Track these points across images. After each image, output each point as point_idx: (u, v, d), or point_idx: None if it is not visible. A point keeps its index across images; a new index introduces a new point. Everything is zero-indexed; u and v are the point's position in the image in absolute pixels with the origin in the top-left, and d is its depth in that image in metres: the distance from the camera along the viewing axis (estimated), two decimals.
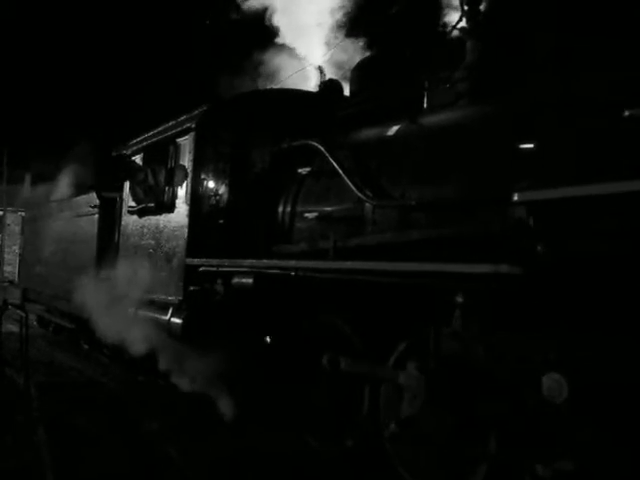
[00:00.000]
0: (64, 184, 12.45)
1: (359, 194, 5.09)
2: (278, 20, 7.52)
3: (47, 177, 13.86)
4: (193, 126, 6.85)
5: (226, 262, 5.97)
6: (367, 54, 6.45)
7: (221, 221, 6.74)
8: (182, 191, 6.99)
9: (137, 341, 7.48)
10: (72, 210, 11.01)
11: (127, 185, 8.29)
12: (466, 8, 5.03)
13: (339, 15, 6.96)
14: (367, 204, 5.12)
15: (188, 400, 6.99)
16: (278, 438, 5.88)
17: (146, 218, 7.78)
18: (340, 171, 5.34)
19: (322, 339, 5.42)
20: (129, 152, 8.44)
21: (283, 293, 5.49)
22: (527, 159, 4.06)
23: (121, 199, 8.64)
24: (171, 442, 5.97)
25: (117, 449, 5.79)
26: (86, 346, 10.79)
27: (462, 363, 3.88)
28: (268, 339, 5.81)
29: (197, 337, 6.42)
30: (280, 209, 6.15)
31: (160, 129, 7.65)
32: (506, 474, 3.97)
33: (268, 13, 7.74)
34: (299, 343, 5.65)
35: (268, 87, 7.69)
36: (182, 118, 7.17)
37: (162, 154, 7.45)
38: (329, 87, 6.91)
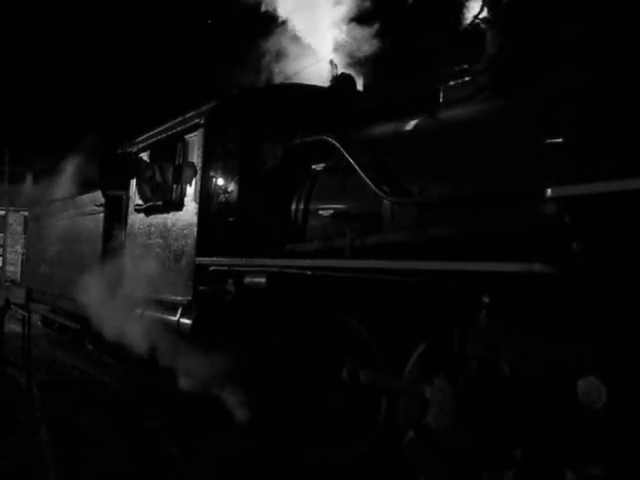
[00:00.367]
0: (67, 182, 12.30)
1: (377, 190, 4.92)
2: (287, 13, 7.32)
3: (49, 175, 13.71)
4: (202, 122, 6.68)
5: (238, 261, 5.81)
6: (381, 46, 6.25)
7: (231, 219, 6.58)
8: (191, 189, 6.83)
9: (144, 342, 7.35)
10: (76, 209, 10.87)
11: (133, 183, 8.14)
12: None
13: (352, 5, 6.76)
14: (385, 201, 4.95)
15: (192, 400, 6.91)
16: (289, 440, 5.75)
17: (153, 216, 7.62)
18: (356, 167, 5.17)
19: (337, 340, 5.25)
20: (135, 149, 8.28)
21: (297, 293, 5.32)
22: (554, 153, 3.89)
23: (127, 197, 8.49)
24: (174, 442, 5.92)
25: (119, 449, 5.76)
26: (91, 346, 10.65)
27: (490, 369, 3.70)
28: (281, 341, 5.63)
29: (207, 338, 6.27)
30: (293, 206, 5.98)
31: (167, 126, 7.49)
32: None
33: (275, 5, 7.55)
34: (313, 345, 5.47)
35: (278, 82, 7.49)
36: (190, 114, 7.00)
37: (170, 151, 7.29)
38: (342, 81, 6.73)
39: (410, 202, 4.70)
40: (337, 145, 5.45)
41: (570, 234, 3.43)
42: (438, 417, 3.95)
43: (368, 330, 5.00)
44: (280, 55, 7.34)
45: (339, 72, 6.85)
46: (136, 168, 7.74)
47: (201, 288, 6.42)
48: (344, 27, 6.60)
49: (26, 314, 9.20)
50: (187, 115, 7.03)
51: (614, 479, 3.31)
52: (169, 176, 7.24)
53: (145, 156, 7.96)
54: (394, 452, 4.74)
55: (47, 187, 13.80)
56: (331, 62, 6.86)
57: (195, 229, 6.64)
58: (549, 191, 3.46)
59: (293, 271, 5.11)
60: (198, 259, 6.50)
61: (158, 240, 7.48)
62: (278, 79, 7.58)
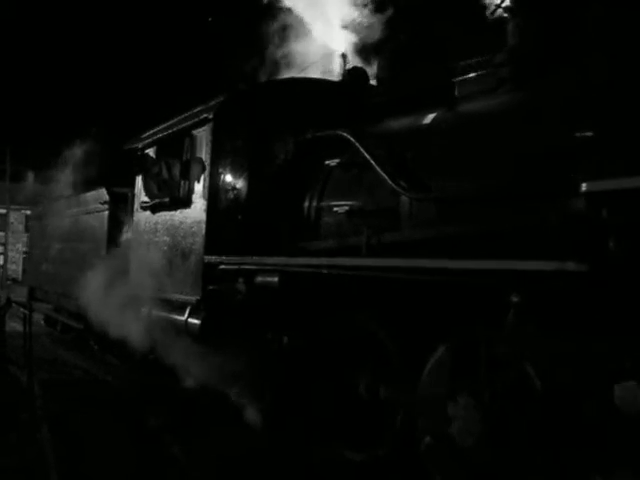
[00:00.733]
0: (70, 180, 12.17)
1: (394, 186, 4.75)
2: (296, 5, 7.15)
3: (52, 174, 13.57)
4: (211, 117, 6.51)
5: (249, 260, 5.63)
6: (395, 36, 6.07)
7: (240, 216, 6.41)
8: (199, 185, 6.66)
9: (150, 342, 7.20)
10: (80, 206, 10.73)
11: (139, 180, 7.97)
12: None
13: None
14: (403, 197, 4.78)
15: (198, 400, 6.86)
16: (298, 441, 5.65)
17: (160, 214, 7.46)
18: (372, 162, 4.99)
19: (352, 342, 5.09)
20: (141, 145, 8.11)
21: (312, 293, 5.15)
22: (584, 147, 3.72)
23: (133, 194, 8.32)
24: (176, 440, 5.86)
25: (121, 447, 5.71)
26: (96, 346, 10.50)
27: (519, 381, 3.54)
28: (294, 342, 5.46)
29: (217, 338, 6.10)
30: (305, 203, 5.79)
31: (174, 121, 7.32)
32: None
33: None
34: (327, 346, 5.30)
35: (288, 76, 7.32)
36: (198, 109, 6.84)
37: (177, 147, 7.12)
38: (354, 75, 6.55)
39: (431, 198, 4.52)
40: (352, 140, 5.28)
41: (606, 231, 3.26)
42: (462, 435, 3.80)
43: (385, 331, 4.83)
44: (288, 49, 7.16)
45: (350, 65, 6.68)
46: (142, 164, 7.56)
47: (210, 287, 6.25)
48: (357, 13, 6.39)
49: (27, 312, 9.17)
50: (195, 110, 6.86)
51: None
52: (176, 172, 7.07)
53: (151, 152, 7.79)
54: (412, 454, 4.60)
55: (49, 185, 13.68)
56: (342, 56, 6.68)
57: (203, 226, 6.47)
58: (584, 186, 3.29)
59: (308, 270, 4.94)
60: (207, 257, 6.33)
61: (165, 238, 7.32)
62: (287, 73, 7.40)
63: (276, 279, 5.28)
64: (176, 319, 6.70)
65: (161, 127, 7.69)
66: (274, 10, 7.27)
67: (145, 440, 6.01)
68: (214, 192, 6.47)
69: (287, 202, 6.06)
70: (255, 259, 5.56)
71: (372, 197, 5.11)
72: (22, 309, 10.58)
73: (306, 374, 5.49)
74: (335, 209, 5.33)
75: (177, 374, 6.98)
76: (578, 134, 3.74)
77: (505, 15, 4.67)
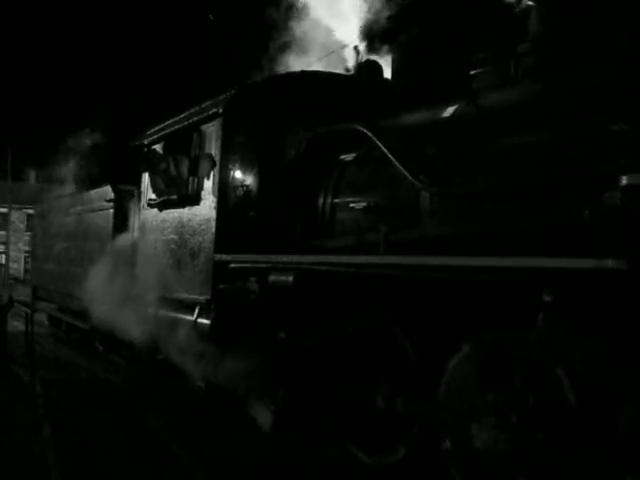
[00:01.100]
0: (74, 178, 12.03)
1: (414, 181, 4.58)
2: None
3: (54, 172, 13.42)
4: (220, 111, 6.34)
5: (263, 258, 5.46)
6: (411, 27, 5.89)
7: (251, 213, 6.24)
8: (208, 182, 6.50)
9: (158, 342, 7.06)
10: (85, 204, 10.58)
11: (146, 177, 7.81)
12: None
13: None
14: (423, 193, 4.61)
15: (205, 401, 6.79)
16: (310, 443, 5.52)
17: (168, 211, 7.29)
18: (390, 156, 4.82)
19: (369, 343, 4.92)
20: (147, 142, 7.94)
21: (328, 292, 4.99)
22: (618, 139, 3.56)
23: (139, 192, 8.16)
24: (178, 441, 5.80)
25: (122, 446, 5.68)
26: (101, 347, 10.35)
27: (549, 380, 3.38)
28: (309, 343, 5.29)
29: (227, 339, 5.94)
30: (319, 199, 5.62)
31: (182, 116, 7.15)
32: None
33: None
34: (344, 348, 5.14)
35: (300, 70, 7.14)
36: (207, 103, 6.67)
37: (185, 143, 6.96)
38: (367, 68, 6.37)
39: (454, 193, 4.35)
40: (369, 134, 5.10)
41: None
42: (487, 453, 3.65)
43: (404, 333, 4.66)
44: (300, 42, 6.98)
45: (364, 59, 6.50)
46: (149, 161, 7.39)
47: (220, 287, 6.09)
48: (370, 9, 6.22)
49: (29, 311, 9.12)
50: (204, 104, 6.69)
51: None
52: (184, 169, 6.91)
53: (158, 148, 7.62)
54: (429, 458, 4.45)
55: (52, 183, 13.54)
56: (355, 49, 6.51)
57: (213, 224, 6.30)
58: (624, 179, 3.12)
59: (324, 268, 4.77)
60: (217, 256, 6.16)
61: (172, 236, 7.15)
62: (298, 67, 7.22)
63: (291, 278, 5.11)
64: (185, 319, 6.55)
65: (168, 123, 7.53)
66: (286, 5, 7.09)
67: (146, 439, 5.95)
68: (224, 188, 6.30)
69: (299, 198, 5.89)
70: (269, 257, 5.39)
71: (390, 193, 4.95)
72: (24, 308, 10.53)
73: (320, 377, 5.33)
74: (352, 205, 5.15)
75: (185, 374, 6.87)
76: (613, 126, 3.58)
77: (530, 3, 4.50)
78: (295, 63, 7.26)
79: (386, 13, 6.13)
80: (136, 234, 8.28)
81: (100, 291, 8.50)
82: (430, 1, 5.68)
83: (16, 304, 10.97)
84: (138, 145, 8.20)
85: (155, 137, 7.77)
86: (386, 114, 5.49)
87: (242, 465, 5.30)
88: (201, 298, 6.36)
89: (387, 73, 6.18)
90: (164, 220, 7.38)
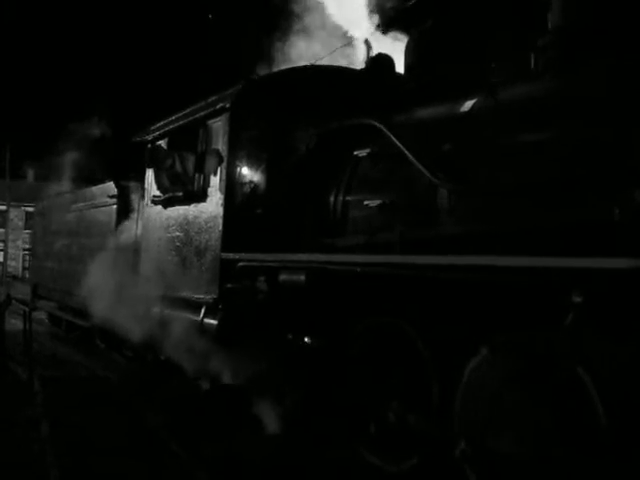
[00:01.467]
0: (74, 174, 11.89)
1: (432, 178, 4.43)
2: None
3: (54, 167, 13.26)
4: (228, 106, 6.19)
5: (273, 256, 5.31)
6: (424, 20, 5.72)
7: (259, 211, 6.09)
8: (215, 178, 6.35)
9: (162, 341, 6.91)
10: (86, 201, 10.41)
11: (150, 173, 7.65)
12: None
13: None
14: (441, 190, 4.46)
15: (208, 400, 6.74)
16: (322, 445, 5.39)
17: (173, 209, 7.15)
18: (406, 152, 4.67)
19: (383, 344, 4.77)
20: (151, 137, 7.79)
21: (341, 292, 4.84)
22: None
23: (143, 188, 8.00)
24: (178, 439, 5.75)
25: (121, 444, 5.64)
26: (102, 345, 10.20)
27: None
28: (320, 344, 5.15)
29: (235, 339, 5.79)
30: (331, 197, 5.45)
31: (188, 111, 7.00)
32: None
33: None
34: (356, 349, 4.99)
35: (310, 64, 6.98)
36: (214, 98, 6.52)
37: (191, 138, 6.83)
38: (379, 63, 6.21)
39: (475, 190, 4.19)
40: (384, 129, 4.95)
41: None
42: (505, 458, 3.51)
43: (420, 334, 4.51)
44: (310, 36, 6.82)
45: (375, 53, 6.34)
46: (154, 157, 7.23)
47: (228, 286, 5.94)
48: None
49: (27, 309, 9.06)
50: (210, 99, 6.54)
51: None
52: (190, 165, 6.78)
53: (163, 144, 7.47)
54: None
55: (52, 180, 13.40)
56: (366, 42, 6.35)
57: (220, 222, 6.16)
58: None
59: (339, 268, 4.61)
60: (224, 254, 6.01)
61: (178, 233, 7.01)
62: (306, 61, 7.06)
63: (302, 277, 4.96)
64: (191, 319, 6.41)
65: (172, 118, 7.38)
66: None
67: (145, 437, 5.89)
68: (231, 185, 6.16)
69: (309, 196, 5.74)
70: (280, 256, 5.24)
71: (406, 190, 4.79)
72: (21, 305, 10.48)
73: (330, 379, 5.18)
74: (366, 202, 4.98)
75: (189, 375, 6.74)
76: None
77: None
78: (303, 53, 7.07)
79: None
80: (139, 231, 8.13)
81: (102, 289, 8.36)
82: None
83: (14, 302, 10.92)
84: (141, 141, 8.05)
85: (159, 133, 7.62)
86: (399, 109, 5.34)
87: (244, 465, 5.22)
88: (207, 297, 6.22)
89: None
90: (169, 217, 7.23)
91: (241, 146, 6.21)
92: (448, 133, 4.67)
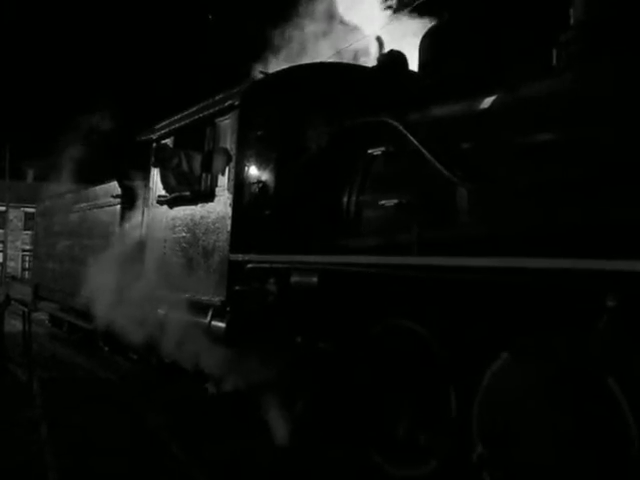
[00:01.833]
0: (76, 174, 11.75)
1: (451, 177, 4.28)
2: None
3: (56, 167, 13.12)
4: (237, 103, 6.05)
5: (284, 258, 5.16)
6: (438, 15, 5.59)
7: (268, 211, 5.94)
8: (223, 178, 6.21)
9: (167, 344, 6.77)
10: (90, 201, 10.27)
11: (155, 172, 7.50)
12: None
13: None
14: (460, 189, 4.31)
15: (212, 403, 6.67)
16: (333, 452, 5.25)
17: (179, 209, 7.00)
18: (423, 150, 4.53)
19: (399, 349, 4.63)
20: (156, 136, 7.64)
21: (355, 295, 4.69)
22: None
23: (148, 188, 7.86)
24: (178, 441, 5.70)
25: (120, 445, 5.61)
26: (106, 348, 10.05)
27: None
28: (333, 348, 5.00)
29: (244, 343, 5.65)
30: (344, 197, 5.30)
31: (195, 109, 6.86)
32: None
33: None
34: (370, 353, 4.84)
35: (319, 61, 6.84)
36: (221, 96, 6.37)
37: (198, 137, 6.69)
38: (392, 59, 6.07)
39: (498, 189, 4.04)
40: (399, 127, 4.81)
41: None
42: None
43: (432, 335, 4.37)
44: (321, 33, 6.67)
45: (387, 50, 6.20)
46: (159, 156, 7.08)
47: (236, 288, 5.79)
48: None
49: (26, 310, 8.98)
50: (218, 96, 6.39)
51: None
52: (197, 164, 6.63)
53: (169, 143, 7.32)
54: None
55: (53, 180, 13.26)
56: (378, 39, 6.20)
57: (228, 222, 6.02)
58: None
59: (354, 269, 4.47)
60: (233, 255, 5.87)
61: (184, 234, 6.86)
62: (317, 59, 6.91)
63: (315, 279, 4.82)
64: (197, 321, 6.27)
65: (179, 116, 7.23)
66: None
67: (145, 439, 5.83)
68: (240, 185, 6.02)
69: (321, 195, 5.58)
70: (291, 257, 5.09)
71: (423, 189, 4.64)
72: (20, 306, 10.41)
73: (341, 383, 5.04)
74: (381, 202, 4.83)
75: (195, 378, 6.65)
76: None
77: None
78: (314, 50, 6.93)
79: None
80: (144, 231, 7.99)
81: (106, 290, 8.21)
82: None
83: (13, 302, 10.83)
84: (146, 140, 7.90)
85: (164, 131, 7.48)
86: (414, 106, 5.19)
87: (247, 469, 5.13)
88: (215, 299, 6.08)
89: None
90: (175, 217, 7.08)
91: (250, 145, 6.07)
92: (466, 131, 4.53)
